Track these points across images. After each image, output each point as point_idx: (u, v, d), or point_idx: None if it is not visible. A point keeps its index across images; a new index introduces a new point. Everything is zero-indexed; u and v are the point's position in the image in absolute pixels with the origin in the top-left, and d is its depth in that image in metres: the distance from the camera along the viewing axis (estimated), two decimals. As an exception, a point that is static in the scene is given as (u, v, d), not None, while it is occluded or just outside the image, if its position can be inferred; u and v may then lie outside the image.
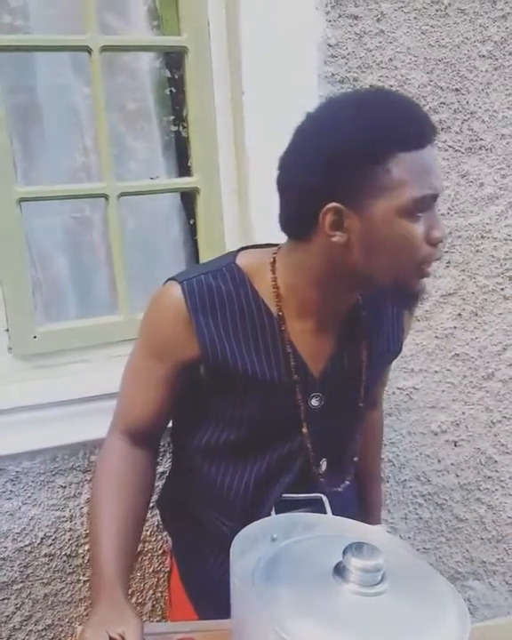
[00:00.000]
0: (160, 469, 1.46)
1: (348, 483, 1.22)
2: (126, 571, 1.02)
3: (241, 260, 1.07)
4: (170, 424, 1.21)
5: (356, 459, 1.24)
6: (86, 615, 1.58)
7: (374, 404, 1.37)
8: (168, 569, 1.34)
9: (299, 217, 0.97)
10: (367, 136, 0.88)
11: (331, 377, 1.11)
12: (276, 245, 1.09)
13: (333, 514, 1.05)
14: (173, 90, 1.71)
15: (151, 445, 1.17)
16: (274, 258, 1.06)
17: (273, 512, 1.12)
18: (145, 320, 1.11)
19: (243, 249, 1.12)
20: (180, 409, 1.17)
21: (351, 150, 0.89)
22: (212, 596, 1.19)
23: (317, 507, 1.11)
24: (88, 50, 1.40)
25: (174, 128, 1.73)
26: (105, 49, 1.41)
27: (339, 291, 1.04)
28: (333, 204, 0.91)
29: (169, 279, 1.07)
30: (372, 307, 1.13)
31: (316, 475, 1.16)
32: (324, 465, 1.17)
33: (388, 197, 0.90)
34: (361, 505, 1.39)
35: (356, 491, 1.35)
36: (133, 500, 1.08)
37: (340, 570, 0.77)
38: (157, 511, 1.40)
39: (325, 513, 1.07)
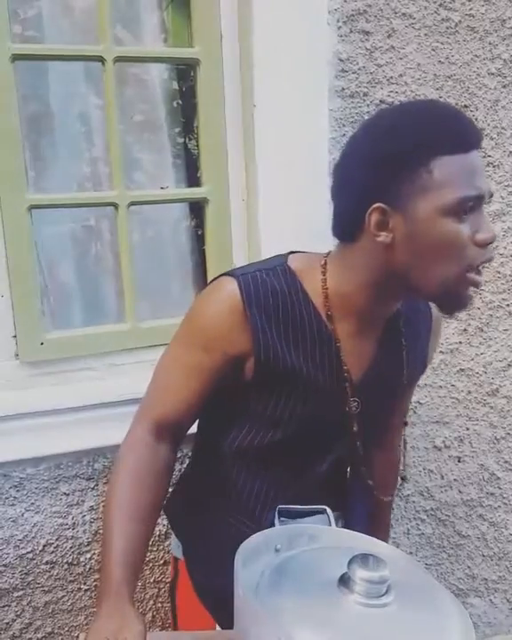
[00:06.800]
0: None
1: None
2: (134, 576, 0.98)
3: (292, 263, 1.08)
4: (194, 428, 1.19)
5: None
6: (87, 624, 1.57)
7: (403, 419, 1.34)
8: (170, 579, 1.33)
9: (347, 218, 1.01)
10: (411, 139, 0.92)
11: (369, 382, 1.11)
12: (324, 253, 1.11)
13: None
14: (181, 102, 1.72)
15: (175, 440, 1.13)
16: (325, 261, 1.08)
17: (277, 523, 1.12)
18: (195, 312, 1.08)
19: (291, 253, 1.13)
20: (211, 409, 1.14)
21: (396, 152, 0.92)
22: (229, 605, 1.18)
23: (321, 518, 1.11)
24: (102, 60, 1.41)
25: (181, 139, 1.74)
26: (118, 60, 1.43)
27: (384, 294, 1.04)
28: (378, 204, 0.94)
29: (222, 274, 1.08)
30: (407, 321, 1.14)
31: (364, 476, 1.17)
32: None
33: (431, 197, 0.92)
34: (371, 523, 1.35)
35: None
36: (151, 495, 1.05)
37: (345, 581, 0.77)
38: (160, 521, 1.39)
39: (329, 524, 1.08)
